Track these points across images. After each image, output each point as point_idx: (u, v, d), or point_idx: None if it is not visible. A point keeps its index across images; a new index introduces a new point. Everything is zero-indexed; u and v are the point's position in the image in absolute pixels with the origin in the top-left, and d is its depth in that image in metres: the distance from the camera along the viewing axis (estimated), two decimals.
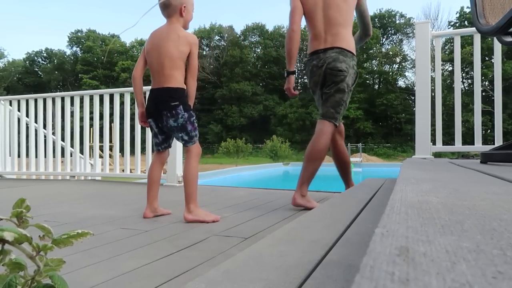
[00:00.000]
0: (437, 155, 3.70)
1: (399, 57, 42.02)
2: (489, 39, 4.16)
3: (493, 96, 3.54)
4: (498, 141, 3.40)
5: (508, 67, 28.24)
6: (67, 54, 54.89)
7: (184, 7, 2.41)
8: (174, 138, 2.48)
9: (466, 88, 33.04)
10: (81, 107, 5.09)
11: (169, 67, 2.34)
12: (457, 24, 37.71)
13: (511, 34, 2.01)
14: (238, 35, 47.31)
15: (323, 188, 3.72)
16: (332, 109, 2.76)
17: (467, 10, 35.04)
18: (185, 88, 2.39)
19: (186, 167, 2.32)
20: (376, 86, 43.18)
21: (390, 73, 41.93)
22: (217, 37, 48.33)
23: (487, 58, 28.00)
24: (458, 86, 3.71)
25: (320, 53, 2.83)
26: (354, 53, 2.81)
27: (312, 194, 3.42)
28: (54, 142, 5.36)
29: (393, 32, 44.56)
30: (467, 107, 18.42)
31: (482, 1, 2.20)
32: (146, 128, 4.60)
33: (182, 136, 2.33)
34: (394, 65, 42.77)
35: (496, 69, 3.52)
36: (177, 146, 4.32)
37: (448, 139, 4.11)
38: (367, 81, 42.12)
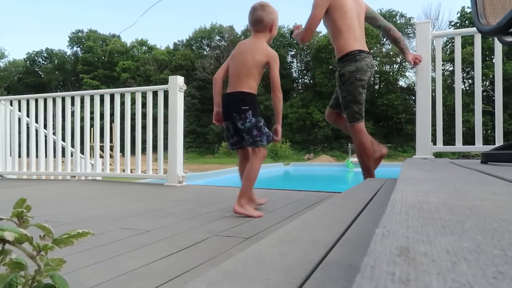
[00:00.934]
0: (438, 155, 3.70)
1: (400, 57, 41.98)
2: (490, 39, 4.15)
3: (494, 96, 3.54)
4: (499, 141, 3.40)
5: (508, 67, 28.19)
6: (67, 54, 54.89)
7: (275, 23, 2.61)
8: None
9: (467, 88, 33.00)
10: (82, 107, 5.10)
11: (244, 74, 2.48)
12: (458, 24, 37.69)
13: (511, 34, 2.01)
14: (238, 35, 47.25)
15: (323, 189, 3.71)
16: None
17: (468, 10, 35.00)
18: (256, 94, 2.54)
19: (249, 166, 2.46)
20: (377, 86, 43.14)
21: (391, 73, 41.90)
22: (217, 37, 48.32)
23: (487, 58, 27.96)
24: (458, 86, 3.71)
25: (368, 54, 3.11)
26: None
27: (312, 194, 3.43)
28: (54, 142, 5.37)
29: None
30: (468, 107, 18.40)
31: (482, 1, 2.20)
32: (147, 128, 4.61)
33: (248, 139, 2.46)
34: (394, 65, 42.74)
35: (496, 69, 3.52)
36: (177, 147, 4.32)
37: (449, 139, 4.11)
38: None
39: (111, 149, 12.32)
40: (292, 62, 46.47)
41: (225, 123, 2.57)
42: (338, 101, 3.25)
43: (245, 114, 2.41)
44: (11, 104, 5.55)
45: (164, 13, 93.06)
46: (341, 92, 3.13)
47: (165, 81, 4.56)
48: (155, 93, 4.66)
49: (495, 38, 2.90)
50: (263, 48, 2.52)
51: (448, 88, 22.69)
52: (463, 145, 3.65)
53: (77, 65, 50.76)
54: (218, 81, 2.62)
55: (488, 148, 3.01)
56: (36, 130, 5.40)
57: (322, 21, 3.15)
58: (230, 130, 2.55)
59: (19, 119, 5.54)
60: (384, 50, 42.81)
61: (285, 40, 45.35)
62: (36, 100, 5.37)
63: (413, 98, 35.54)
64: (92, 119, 5.09)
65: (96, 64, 50.20)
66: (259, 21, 2.54)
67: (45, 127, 5.46)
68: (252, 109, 2.42)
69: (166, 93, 4.50)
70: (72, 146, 5.43)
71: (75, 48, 54.85)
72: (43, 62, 55.57)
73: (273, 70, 2.49)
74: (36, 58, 55.26)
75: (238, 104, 2.43)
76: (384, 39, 44.10)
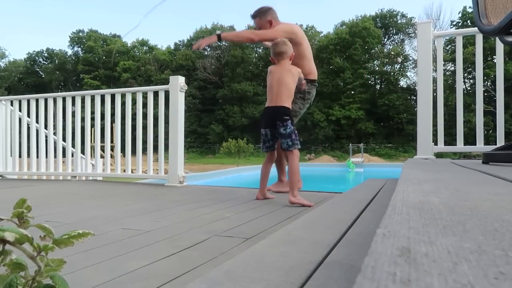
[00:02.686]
0: (439, 155, 3.70)
1: (401, 57, 41.97)
2: (492, 39, 4.15)
3: (495, 96, 3.54)
4: (500, 141, 3.40)
5: (510, 67, 28.16)
6: (68, 54, 54.97)
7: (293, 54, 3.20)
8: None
9: (468, 88, 32.98)
10: (83, 107, 5.10)
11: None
12: (459, 24, 37.65)
13: None
14: None
15: (324, 189, 3.71)
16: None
17: (470, 10, 34.95)
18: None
19: (290, 164, 3.01)
20: (378, 87, 43.15)
21: (392, 73, 41.87)
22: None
23: (489, 58, 27.95)
24: (460, 86, 3.71)
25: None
26: None
27: (313, 194, 3.42)
28: (55, 142, 5.37)
29: (394, 32, 44.51)
30: (469, 107, 18.38)
31: (484, 1, 2.20)
32: (147, 129, 4.61)
33: (287, 142, 2.99)
34: (395, 65, 42.73)
35: (498, 69, 3.52)
36: (178, 147, 4.32)
37: (450, 139, 4.10)
38: (369, 82, 42.10)
39: (112, 149, 12.37)
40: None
41: (265, 130, 3.12)
42: None
43: (286, 122, 3.01)
44: (11, 104, 5.56)
45: (165, 13, 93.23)
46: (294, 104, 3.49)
47: (166, 81, 4.56)
48: (156, 93, 4.66)
49: (497, 38, 2.90)
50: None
51: (449, 88, 22.67)
52: (464, 145, 3.65)
53: (77, 65, 50.82)
54: None
55: (490, 148, 3.01)
56: (37, 130, 5.40)
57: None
58: (268, 135, 3.11)
59: (20, 119, 5.54)
60: (385, 50, 42.78)
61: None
62: (37, 100, 5.38)
63: (414, 98, 35.52)
64: (92, 119, 5.09)
65: (97, 64, 50.26)
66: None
67: (45, 127, 5.46)
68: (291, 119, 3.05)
69: (167, 93, 4.51)
70: (73, 146, 5.43)
71: (75, 48, 54.96)
72: (44, 62, 55.66)
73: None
74: (36, 58, 55.34)
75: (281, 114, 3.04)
76: (385, 39, 44.11)
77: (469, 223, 0.52)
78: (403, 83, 42.27)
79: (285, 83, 3.07)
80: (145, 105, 4.66)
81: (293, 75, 3.13)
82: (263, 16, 3.58)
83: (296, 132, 3.08)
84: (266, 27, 3.58)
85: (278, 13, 3.68)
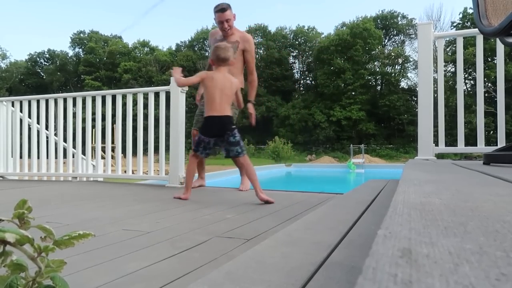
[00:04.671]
0: (440, 156, 3.70)
1: (402, 58, 41.98)
2: (492, 40, 4.16)
3: (496, 97, 3.53)
4: (501, 142, 3.39)
5: (511, 68, 28.14)
6: (69, 55, 55.05)
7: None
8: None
9: (469, 89, 32.96)
10: (83, 108, 5.10)
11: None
12: (460, 25, 37.64)
13: None
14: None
15: (325, 190, 3.70)
16: None
17: (470, 11, 34.94)
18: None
19: (248, 167, 3.20)
20: (379, 87, 43.15)
21: (393, 74, 41.88)
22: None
23: (489, 59, 27.94)
24: (460, 87, 3.70)
25: None
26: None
27: (314, 195, 3.42)
28: (56, 143, 5.37)
29: (395, 33, 44.54)
30: (470, 108, 18.40)
31: (484, 2, 2.20)
32: (148, 129, 4.61)
33: (237, 149, 3.17)
34: (396, 66, 42.75)
35: (499, 70, 3.51)
36: (179, 148, 4.33)
37: (451, 140, 4.10)
38: (370, 83, 42.10)
39: (113, 150, 12.40)
40: (294, 63, 46.57)
41: (208, 139, 3.18)
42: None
43: (235, 131, 3.17)
44: (12, 105, 5.56)
45: (166, 14, 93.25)
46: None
47: (167, 82, 4.56)
48: (157, 94, 4.66)
49: (497, 39, 2.90)
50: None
51: (450, 89, 22.68)
52: (465, 146, 3.64)
53: (79, 66, 50.89)
54: None
55: (491, 149, 3.00)
56: (38, 131, 5.40)
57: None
58: (211, 144, 3.21)
59: (21, 120, 5.55)
60: (386, 51, 42.79)
61: (287, 41, 45.48)
62: (38, 101, 5.38)
63: (415, 99, 35.50)
64: (93, 120, 5.09)
65: (98, 65, 50.30)
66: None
67: (46, 128, 5.47)
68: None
69: (168, 94, 4.51)
70: (74, 147, 5.44)
71: (77, 49, 55.05)
72: (45, 63, 55.74)
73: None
74: (38, 59, 55.44)
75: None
76: (386, 40, 44.14)
77: (470, 224, 0.52)
78: (403, 84, 42.32)
79: (228, 93, 3.20)
80: (146, 106, 4.66)
81: (233, 85, 3.24)
82: (231, 9, 3.97)
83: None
84: (232, 20, 3.99)
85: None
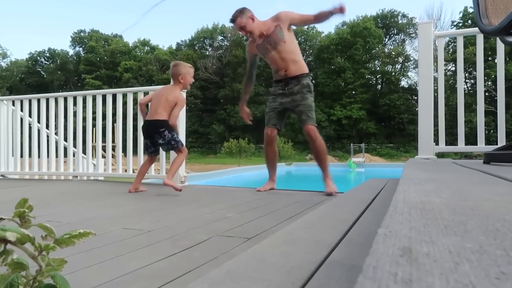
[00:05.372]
0: (440, 155, 3.70)
1: (402, 57, 41.94)
2: (492, 39, 4.16)
3: (496, 96, 3.53)
4: (501, 141, 3.39)
5: (511, 67, 28.11)
6: (70, 54, 55.01)
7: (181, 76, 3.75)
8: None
9: (469, 88, 32.93)
10: (84, 107, 5.11)
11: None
12: (460, 24, 37.60)
13: None
14: (241, 35, 47.21)
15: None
16: None
17: (470, 10, 34.87)
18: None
19: (179, 158, 3.67)
20: (379, 87, 43.12)
21: (393, 73, 41.85)
22: (220, 37, 48.33)
23: (490, 58, 27.90)
24: (461, 86, 3.70)
25: None
26: None
27: (314, 194, 3.42)
28: (56, 142, 5.38)
29: (395, 32, 44.47)
30: (470, 107, 18.35)
31: (485, 1, 2.20)
32: None
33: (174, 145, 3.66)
34: (396, 65, 42.71)
35: (499, 69, 3.51)
36: None
37: (451, 139, 4.10)
38: (370, 81, 42.08)
39: (113, 149, 12.45)
40: None
41: (145, 140, 3.81)
42: (280, 118, 3.79)
43: (163, 133, 3.60)
44: (13, 104, 5.57)
45: (167, 13, 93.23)
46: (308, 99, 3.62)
47: (167, 81, 4.56)
48: None
49: (497, 38, 2.89)
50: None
51: (450, 88, 22.63)
52: (465, 145, 3.64)
53: (79, 65, 50.86)
54: None
55: (491, 148, 3.00)
56: (38, 130, 5.41)
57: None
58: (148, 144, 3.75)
59: (21, 119, 5.55)
60: (386, 50, 42.75)
61: None
62: (38, 100, 5.38)
63: (415, 98, 35.46)
64: (94, 119, 5.09)
65: (99, 64, 50.28)
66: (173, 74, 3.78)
67: (47, 127, 5.47)
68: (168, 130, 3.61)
69: None
70: (74, 146, 5.44)
71: (77, 48, 55.00)
72: (45, 62, 55.71)
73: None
74: (38, 58, 55.41)
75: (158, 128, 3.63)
76: (386, 39, 44.11)
77: (471, 223, 0.52)
78: (404, 83, 42.26)
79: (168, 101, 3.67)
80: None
81: (171, 100, 3.68)
82: (242, 15, 3.64)
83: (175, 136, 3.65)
84: (249, 23, 3.63)
85: (275, 12, 3.79)
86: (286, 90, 3.64)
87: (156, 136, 3.60)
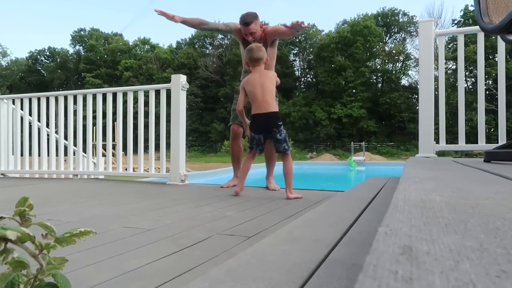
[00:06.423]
0: (441, 154, 3.70)
1: (402, 55, 41.89)
2: (493, 37, 4.15)
3: (497, 95, 3.53)
4: (502, 139, 3.39)
5: None
6: (70, 53, 55.00)
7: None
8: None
9: (470, 86, 32.89)
10: (84, 105, 5.11)
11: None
12: (461, 23, 37.55)
13: None
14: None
15: (326, 187, 3.71)
16: None
17: (471, 9, 34.83)
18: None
19: (289, 165, 3.29)
20: (379, 85, 43.07)
21: (393, 72, 41.80)
22: (220, 36, 48.27)
23: (491, 57, 27.88)
24: (461, 85, 3.70)
25: None
26: None
27: (315, 193, 3.42)
28: (57, 141, 5.38)
29: (396, 31, 44.42)
30: (471, 106, 18.35)
31: None
32: (149, 127, 4.62)
33: (284, 146, 3.26)
34: (397, 63, 42.66)
35: (500, 67, 3.51)
36: (180, 145, 4.33)
37: (452, 137, 4.10)
38: (370, 80, 42.02)
39: (114, 147, 12.45)
40: (295, 60, 46.46)
41: (258, 136, 3.31)
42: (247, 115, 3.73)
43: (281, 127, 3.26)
44: (13, 103, 5.57)
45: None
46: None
47: (168, 80, 4.56)
48: (157, 92, 4.66)
49: (498, 37, 2.89)
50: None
51: (451, 87, 22.63)
52: (466, 143, 3.64)
53: (79, 64, 50.84)
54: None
55: (491, 146, 3.00)
56: (39, 129, 5.41)
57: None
58: (262, 140, 3.32)
59: (22, 118, 5.55)
60: (386, 48, 42.71)
61: (287, 39, 45.33)
62: (39, 99, 5.38)
63: (416, 96, 35.46)
64: (94, 117, 5.09)
65: (99, 63, 50.26)
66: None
67: (47, 125, 5.47)
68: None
69: (168, 92, 4.51)
70: (75, 144, 5.44)
71: (77, 47, 54.97)
72: (46, 60, 55.69)
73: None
74: (38, 56, 55.39)
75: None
76: (387, 38, 44.06)
77: (471, 221, 0.52)
78: (404, 81, 42.22)
79: (270, 89, 3.29)
80: (146, 104, 4.66)
81: (272, 80, 3.36)
82: (256, 21, 3.74)
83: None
84: (258, 31, 3.76)
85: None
86: None
87: (274, 130, 3.24)
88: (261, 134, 3.30)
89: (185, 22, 4.00)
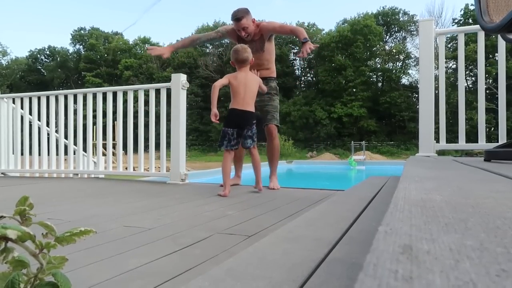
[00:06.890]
0: (441, 153, 3.70)
1: (403, 54, 41.86)
2: (493, 36, 4.15)
3: (497, 94, 3.53)
4: (502, 139, 3.39)
5: None
6: (70, 52, 54.89)
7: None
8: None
9: (470, 86, 32.87)
10: (84, 105, 5.11)
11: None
12: (461, 22, 37.51)
13: None
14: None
15: (326, 186, 3.71)
16: None
17: (472, 8, 34.79)
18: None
19: (257, 158, 3.51)
20: (380, 84, 43.03)
21: (394, 71, 41.74)
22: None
23: (491, 56, 27.86)
24: (462, 84, 3.70)
25: None
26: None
27: (315, 192, 3.42)
28: (57, 140, 5.38)
29: (396, 30, 44.36)
30: (471, 105, 18.33)
31: None
32: (149, 126, 4.62)
33: (250, 141, 3.42)
34: (397, 63, 42.62)
35: (500, 66, 3.51)
36: (180, 145, 4.33)
37: (452, 137, 4.10)
38: (371, 79, 41.98)
39: (114, 147, 12.43)
40: (295, 59, 46.43)
41: (231, 130, 3.40)
42: None
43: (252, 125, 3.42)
44: (13, 102, 5.57)
45: (167, 11, 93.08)
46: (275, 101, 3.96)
47: (168, 79, 4.56)
48: (157, 91, 4.66)
49: (499, 36, 2.89)
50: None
51: (451, 86, 22.63)
52: (466, 143, 3.64)
53: (79, 63, 50.76)
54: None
55: (492, 146, 3.00)
56: (39, 128, 5.41)
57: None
58: (235, 135, 3.40)
59: (22, 117, 5.55)
60: (387, 48, 42.68)
61: (287, 38, 45.33)
62: (39, 98, 5.38)
63: (416, 96, 35.45)
64: (94, 117, 5.09)
65: (99, 62, 50.20)
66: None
67: (47, 125, 5.47)
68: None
69: (168, 91, 4.51)
70: (75, 144, 5.44)
71: (77, 46, 54.84)
72: (46, 60, 55.61)
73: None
74: (38, 56, 55.31)
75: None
76: (387, 37, 44.03)
77: (471, 220, 0.52)
78: (404, 80, 42.15)
79: (253, 91, 3.44)
80: (146, 103, 4.66)
81: (257, 84, 3.49)
82: (248, 16, 3.78)
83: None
84: (251, 26, 3.79)
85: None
86: None
87: (247, 127, 3.41)
88: (235, 129, 3.41)
89: (176, 49, 4.24)
